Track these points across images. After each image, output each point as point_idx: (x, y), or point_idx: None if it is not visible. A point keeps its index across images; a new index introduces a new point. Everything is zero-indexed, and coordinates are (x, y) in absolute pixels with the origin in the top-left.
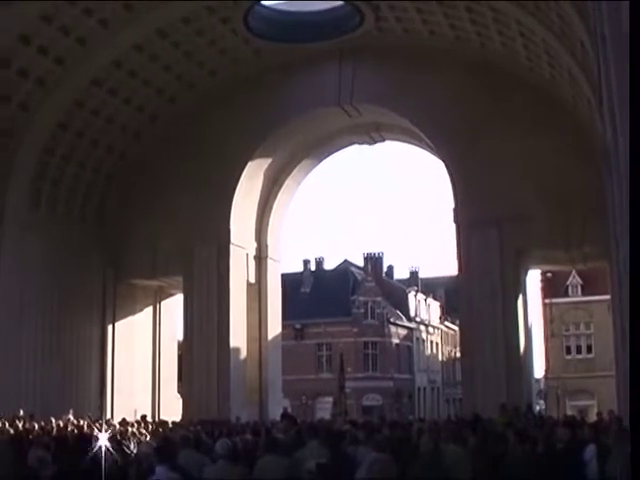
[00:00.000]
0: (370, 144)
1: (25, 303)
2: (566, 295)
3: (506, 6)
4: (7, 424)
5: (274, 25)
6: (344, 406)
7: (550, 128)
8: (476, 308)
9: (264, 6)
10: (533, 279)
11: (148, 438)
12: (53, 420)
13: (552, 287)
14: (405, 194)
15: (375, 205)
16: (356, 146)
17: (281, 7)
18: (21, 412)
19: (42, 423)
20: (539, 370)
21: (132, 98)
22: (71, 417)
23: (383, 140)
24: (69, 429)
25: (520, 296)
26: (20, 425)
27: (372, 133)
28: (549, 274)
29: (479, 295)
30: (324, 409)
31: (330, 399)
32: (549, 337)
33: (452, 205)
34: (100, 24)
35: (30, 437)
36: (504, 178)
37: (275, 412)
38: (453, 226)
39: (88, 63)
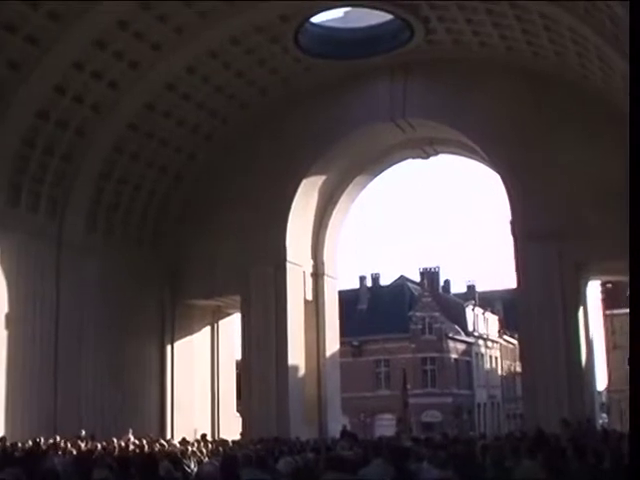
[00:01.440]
0: (424, 158)
1: (85, 326)
2: (627, 306)
3: (556, 13)
4: (70, 445)
5: (324, 42)
6: (409, 423)
7: (607, 137)
8: (536, 321)
9: (314, 24)
10: (593, 290)
11: (208, 457)
12: (115, 440)
13: (613, 298)
14: (461, 207)
15: (430, 219)
16: (410, 161)
17: (331, 24)
18: (83, 432)
19: (104, 443)
20: (601, 383)
21: (186, 119)
22: (132, 437)
23: (437, 154)
24: (131, 449)
25: (580, 308)
26: (82, 445)
27: (426, 147)
28: (609, 285)
29: (538, 308)
30: (383, 426)
31: (389, 416)
32: (611, 349)
33: (509, 217)
34: (152, 47)
35: (93, 457)
36: (561, 189)
37: (334, 430)
38: (510, 239)
39: (141, 87)
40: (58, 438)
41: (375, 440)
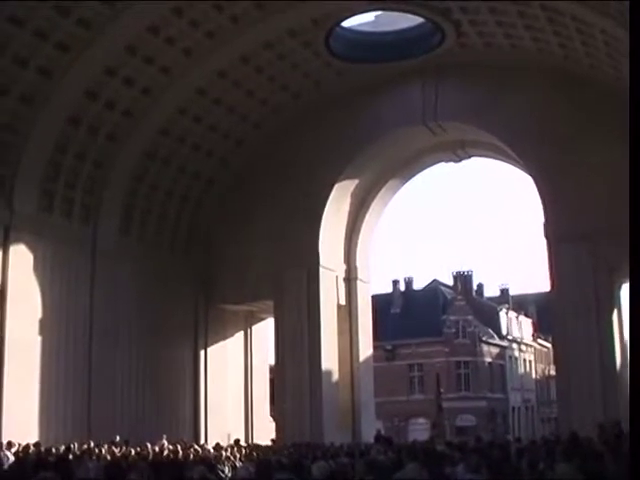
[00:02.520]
0: (456, 161)
1: (119, 331)
2: None
3: (589, 16)
4: (104, 450)
5: (355, 46)
6: (443, 427)
7: None
8: (570, 324)
9: (345, 28)
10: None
11: (241, 462)
12: (149, 445)
13: None
14: (493, 210)
15: (463, 223)
16: (442, 164)
17: (362, 28)
18: (117, 438)
19: (138, 449)
20: None
21: (217, 124)
22: (165, 442)
23: (469, 157)
24: (165, 454)
25: (614, 310)
26: (117, 451)
27: (458, 150)
28: None
29: (572, 311)
30: (417, 430)
31: (423, 420)
32: None
33: (542, 220)
34: (183, 53)
35: (127, 463)
36: (594, 190)
37: (368, 434)
38: (543, 241)
39: (172, 92)
40: (92, 443)
41: (409, 444)
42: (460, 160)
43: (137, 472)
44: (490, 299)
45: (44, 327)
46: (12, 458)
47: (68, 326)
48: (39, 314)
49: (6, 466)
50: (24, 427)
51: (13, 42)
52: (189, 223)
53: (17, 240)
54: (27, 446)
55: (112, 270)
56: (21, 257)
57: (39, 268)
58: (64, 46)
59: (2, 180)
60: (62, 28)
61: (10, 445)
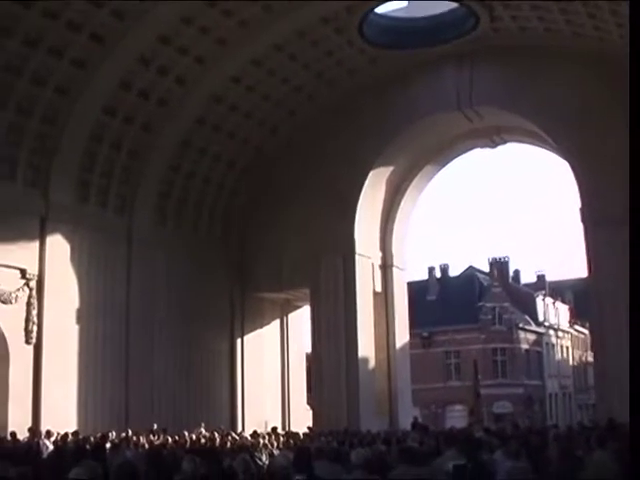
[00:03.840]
0: (492, 147)
1: (155, 319)
2: None
3: None
4: (142, 438)
5: (389, 32)
6: (481, 414)
7: None
8: (607, 310)
9: (378, 14)
10: None
11: (279, 450)
12: (186, 433)
13: None
14: (529, 196)
15: (499, 209)
16: (478, 150)
17: (394, 14)
18: (155, 426)
19: (176, 437)
20: None
21: (252, 112)
22: (203, 430)
23: (505, 142)
24: (202, 442)
25: None
26: (155, 439)
27: (493, 136)
28: None
29: (610, 296)
30: (454, 417)
31: (460, 407)
32: None
33: (579, 204)
34: (217, 42)
35: (170, 451)
36: None
37: (405, 422)
38: (580, 226)
39: (207, 81)
40: (130, 432)
41: (446, 431)
42: (496, 146)
43: (189, 461)
44: (526, 285)
45: (81, 317)
46: (51, 447)
47: (105, 315)
48: (76, 304)
49: (45, 455)
50: (63, 416)
51: (48, 34)
52: (225, 211)
53: (54, 231)
54: (66, 435)
55: (148, 259)
56: (58, 247)
57: (76, 258)
58: (98, 37)
59: (38, 171)
60: (96, 19)
61: (49, 434)
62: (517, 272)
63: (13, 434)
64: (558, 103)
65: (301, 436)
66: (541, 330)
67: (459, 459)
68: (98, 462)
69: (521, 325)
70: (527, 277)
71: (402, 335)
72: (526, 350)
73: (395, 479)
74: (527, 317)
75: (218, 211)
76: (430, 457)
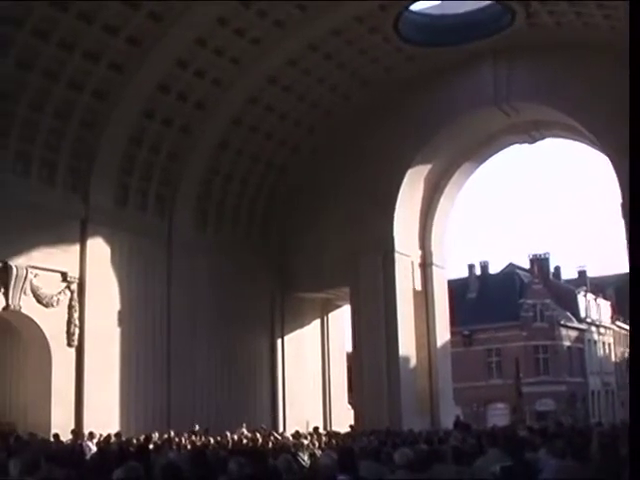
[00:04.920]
0: (530, 143)
1: (196, 321)
2: None
3: None
4: (184, 439)
5: (424, 30)
6: (523, 412)
7: None
8: None
9: (413, 11)
10: None
11: (321, 450)
12: (228, 434)
13: None
14: (569, 191)
15: (539, 205)
16: (516, 146)
17: (430, 11)
18: (196, 427)
19: (218, 437)
20: None
21: (289, 113)
22: (245, 431)
23: (543, 138)
24: (244, 442)
25: None
26: (197, 440)
27: (531, 131)
28: None
29: None
30: (496, 416)
31: (502, 405)
32: None
33: (620, 200)
34: (252, 43)
35: (208, 452)
36: None
37: (447, 421)
38: (622, 222)
39: (243, 82)
40: (172, 433)
41: (488, 430)
42: (534, 141)
43: (234, 464)
44: (568, 282)
45: (123, 319)
46: (94, 448)
47: (146, 317)
48: (117, 306)
49: (88, 456)
50: (105, 418)
51: (84, 38)
52: (264, 212)
53: (94, 234)
54: (108, 436)
55: (188, 260)
56: (98, 250)
57: (116, 261)
58: (135, 40)
59: (78, 175)
60: (133, 22)
61: (92, 436)
62: (558, 268)
63: (56, 436)
64: (597, 98)
65: (343, 436)
66: (583, 327)
67: (502, 458)
68: (141, 464)
69: (563, 322)
70: (568, 273)
71: (443, 333)
72: (568, 347)
73: (438, 479)
74: (568, 314)
75: (257, 212)
76: (473, 456)
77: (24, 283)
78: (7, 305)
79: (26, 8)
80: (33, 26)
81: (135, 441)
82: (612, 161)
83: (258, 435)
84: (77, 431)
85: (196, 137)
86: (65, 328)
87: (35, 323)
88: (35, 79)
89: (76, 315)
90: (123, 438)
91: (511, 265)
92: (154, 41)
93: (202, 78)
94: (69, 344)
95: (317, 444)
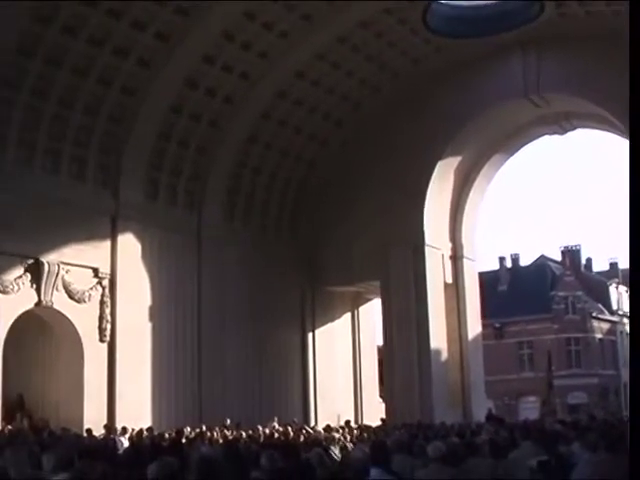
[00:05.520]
0: (561, 134)
1: (226, 315)
2: None
3: None
4: (216, 433)
5: (453, 21)
6: (554, 405)
7: None
8: None
9: (441, 3)
10: None
11: (352, 443)
12: (260, 428)
13: None
14: (600, 182)
15: (569, 196)
16: (547, 137)
17: (458, 2)
18: (228, 421)
19: (249, 431)
20: None
21: (317, 106)
22: (276, 425)
23: (574, 129)
24: (276, 436)
25: None
26: (228, 434)
27: (562, 122)
28: None
29: None
30: (528, 409)
31: (533, 398)
32: None
33: None
34: (280, 36)
35: (241, 446)
36: None
37: (479, 413)
38: None
39: (271, 76)
40: (204, 427)
41: (521, 423)
42: (565, 132)
43: (267, 458)
44: (599, 273)
45: (154, 313)
46: (126, 443)
47: (177, 312)
48: (148, 301)
49: (121, 451)
50: (137, 412)
51: (112, 34)
52: (293, 206)
53: (124, 229)
54: (141, 431)
55: (218, 255)
56: (129, 246)
57: (147, 256)
58: (163, 36)
59: (108, 171)
60: (160, 18)
61: (125, 431)
62: (589, 260)
63: (89, 431)
64: (628, 87)
65: (374, 429)
66: (615, 319)
67: (536, 451)
68: (175, 458)
69: (594, 314)
70: (599, 265)
71: (474, 326)
72: (600, 339)
73: (474, 472)
74: (600, 306)
75: (286, 206)
76: (507, 449)
77: (56, 279)
78: (39, 301)
79: (55, 6)
80: (63, 23)
81: (167, 435)
82: None
83: (290, 429)
84: (110, 426)
85: (225, 132)
86: (97, 324)
87: (67, 319)
88: (64, 76)
89: (108, 311)
90: (155, 433)
91: (542, 257)
92: (182, 36)
93: (230, 73)
94: (101, 339)
95: (348, 438)
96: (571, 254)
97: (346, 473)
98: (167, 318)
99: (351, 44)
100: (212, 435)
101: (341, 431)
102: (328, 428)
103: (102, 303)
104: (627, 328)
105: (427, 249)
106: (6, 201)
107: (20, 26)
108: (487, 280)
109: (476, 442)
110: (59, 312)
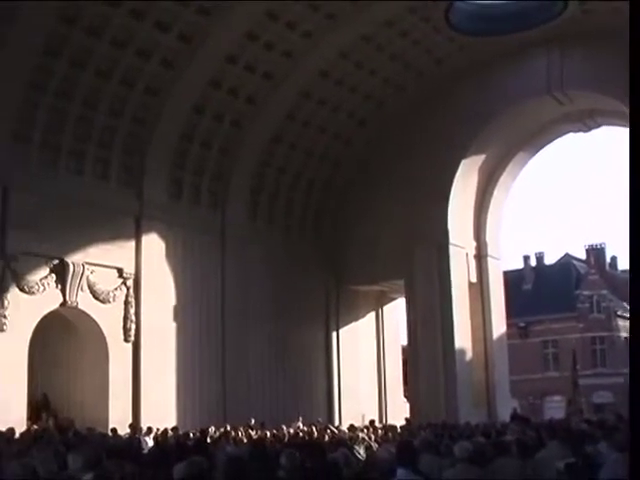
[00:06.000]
0: (585, 131)
1: (251, 315)
2: None
3: None
4: (240, 433)
5: (476, 19)
6: (579, 405)
7: None
8: None
9: (464, 1)
10: None
11: (377, 443)
12: (284, 427)
13: None
14: (625, 180)
15: (594, 194)
16: (571, 134)
17: (481, 1)
18: (252, 421)
19: (274, 431)
20: None
21: (341, 106)
22: (300, 424)
23: (598, 126)
24: (300, 436)
25: None
26: (253, 433)
27: (586, 120)
28: None
29: None
30: (553, 408)
31: (558, 398)
32: None
33: None
34: (303, 36)
35: (268, 445)
36: None
37: (503, 413)
38: None
39: (295, 76)
40: (229, 427)
41: (547, 423)
42: (589, 130)
43: (287, 457)
44: (624, 272)
45: (178, 313)
46: (151, 443)
47: (201, 311)
48: (173, 301)
49: (146, 451)
50: (161, 412)
51: (136, 36)
52: (317, 205)
53: (149, 229)
54: (165, 431)
55: (242, 254)
56: (153, 245)
57: (171, 255)
58: (185, 36)
59: (131, 171)
60: (182, 18)
61: (150, 430)
62: (614, 259)
63: (114, 430)
64: None
65: (399, 429)
66: None
67: (563, 451)
68: (203, 458)
69: (619, 312)
70: (625, 264)
71: (499, 325)
72: (625, 338)
73: (501, 472)
74: (625, 304)
75: (310, 205)
76: (534, 449)
77: (81, 279)
78: (64, 301)
79: (79, 7)
80: (86, 25)
81: (192, 435)
82: None
83: (314, 429)
84: (135, 425)
85: (248, 132)
86: (121, 324)
87: (92, 319)
88: (88, 77)
89: (132, 311)
90: (180, 432)
91: (567, 256)
92: (204, 37)
93: (253, 73)
94: (126, 339)
95: (373, 437)
96: (596, 252)
97: (372, 473)
98: (191, 317)
99: (375, 43)
100: (237, 435)
101: (365, 431)
102: (352, 428)
103: (127, 303)
104: None
105: (451, 248)
106: (31, 202)
107: (47, 27)
108: (511, 279)
109: (504, 442)
110: (84, 312)
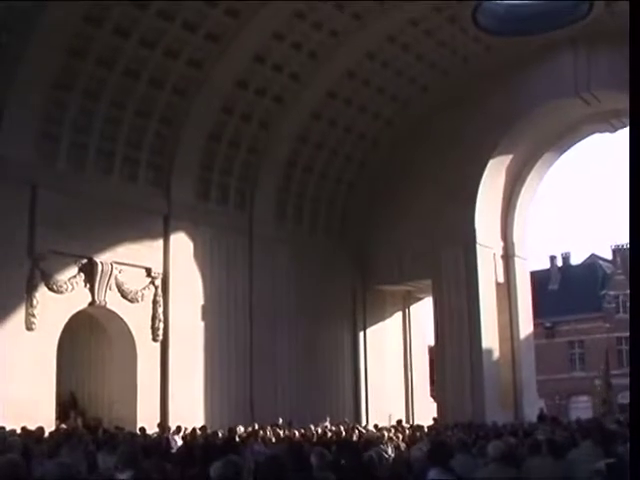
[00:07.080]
0: (611, 132)
1: (278, 314)
2: None
3: None
4: (268, 432)
5: (502, 19)
6: (612, 405)
7: None
8: None
9: (491, 1)
10: None
11: (405, 443)
12: (312, 427)
13: None
14: None
15: (620, 194)
16: (597, 135)
17: (508, 1)
18: (280, 420)
19: (302, 430)
20: None
21: (367, 106)
22: (328, 424)
23: (625, 126)
24: (328, 436)
25: None
26: (281, 433)
27: (612, 120)
28: None
29: None
30: (578, 408)
31: (584, 398)
32: None
33: None
34: (330, 36)
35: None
36: None
37: (530, 413)
38: None
39: (321, 76)
40: (257, 426)
41: (581, 422)
42: (615, 130)
43: (317, 455)
44: None
45: (206, 313)
46: (179, 442)
47: (229, 311)
48: (201, 300)
49: (175, 450)
50: (189, 411)
51: (164, 36)
52: (344, 205)
53: (177, 229)
54: (194, 430)
55: (269, 254)
56: (181, 245)
57: (199, 255)
58: (213, 37)
59: (160, 171)
60: (210, 19)
61: (178, 429)
62: None
63: (142, 429)
64: None
65: (426, 429)
66: None
67: (595, 451)
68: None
69: None
70: None
71: (526, 326)
72: None
73: (536, 472)
74: None
75: (337, 205)
76: (566, 449)
77: (109, 279)
78: (93, 301)
79: (106, 7)
80: (114, 25)
81: (220, 434)
82: None
83: (342, 428)
84: (164, 425)
85: (275, 131)
86: (150, 323)
87: (120, 318)
88: (116, 77)
89: (160, 310)
90: (208, 431)
91: (593, 256)
92: (232, 37)
93: (280, 73)
94: (154, 339)
95: (400, 437)
96: (622, 253)
97: (404, 472)
98: (219, 317)
99: (401, 43)
100: (265, 434)
101: (393, 431)
102: (375, 427)
103: (155, 302)
104: None
105: (478, 248)
106: (60, 202)
107: (72, 27)
108: (538, 279)
109: (536, 441)
110: (112, 311)
